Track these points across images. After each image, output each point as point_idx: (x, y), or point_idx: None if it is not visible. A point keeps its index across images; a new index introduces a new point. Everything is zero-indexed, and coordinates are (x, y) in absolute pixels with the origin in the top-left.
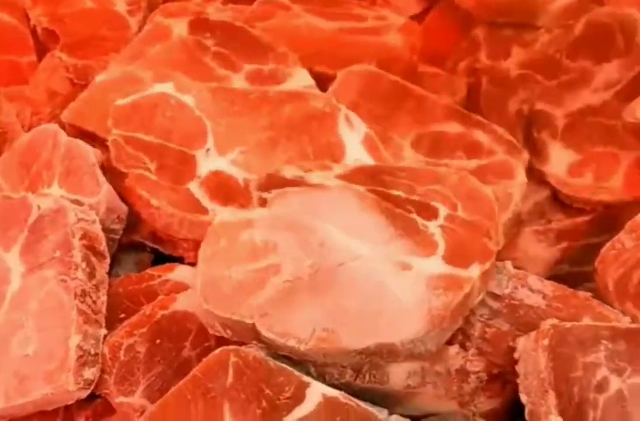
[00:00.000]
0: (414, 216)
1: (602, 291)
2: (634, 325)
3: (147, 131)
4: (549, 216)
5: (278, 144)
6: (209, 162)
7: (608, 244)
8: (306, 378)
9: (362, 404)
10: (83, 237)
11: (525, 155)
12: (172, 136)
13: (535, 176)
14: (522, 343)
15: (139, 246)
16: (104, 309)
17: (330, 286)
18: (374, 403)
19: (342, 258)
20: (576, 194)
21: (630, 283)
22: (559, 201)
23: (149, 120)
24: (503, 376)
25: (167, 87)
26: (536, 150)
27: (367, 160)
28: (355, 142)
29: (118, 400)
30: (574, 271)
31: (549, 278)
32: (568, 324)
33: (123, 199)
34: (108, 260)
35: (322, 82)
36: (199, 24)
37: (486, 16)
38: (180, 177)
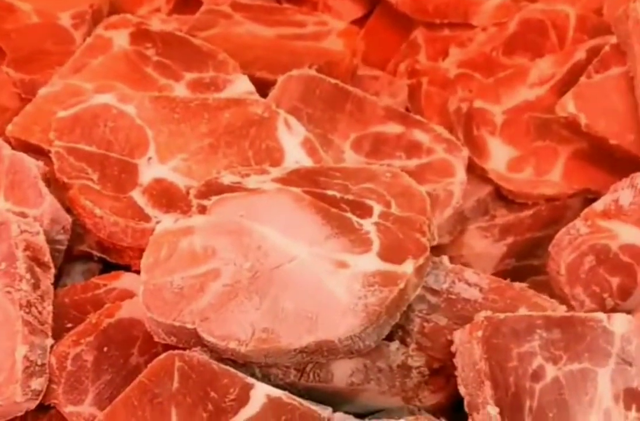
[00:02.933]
0: (349, 214)
1: (554, 275)
2: (568, 313)
3: (88, 142)
4: (492, 212)
5: (218, 150)
6: (151, 170)
7: (563, 230)
8: (250, 380)
9: (306, 403)
10: (27, 248)
11: (465, 153)
12: (114, 145)
13: (477, 172)
14: (458, 336)
15: (87, 256)
16: (50, 320)
17: (268, 287)
18: (321, 401)
19: (280, 260)
20: (518, 189)
21: (581, 268)
22: (501, 196)
23: (90, 131)
24: (445, 370)
25: (108, 98)
26: (476, 147)
27: (307, 162)
28: (294, 145)
29: (67, 409)
30: (521, 265)
31: (496, 274)
32: (502, 316)
33: (68, 210)
34: (53, 270)
35: (264, 88)
36: (140, 35)
37: (423, 18)
38: (123, 186)
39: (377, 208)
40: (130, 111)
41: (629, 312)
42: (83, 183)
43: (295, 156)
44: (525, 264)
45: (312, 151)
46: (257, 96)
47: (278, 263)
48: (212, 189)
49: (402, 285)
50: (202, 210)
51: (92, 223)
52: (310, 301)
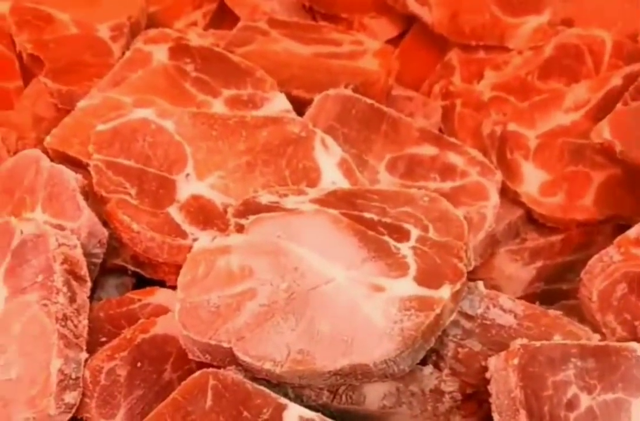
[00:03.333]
0: (386, 238)
1: (586, 301)
2: (602, 343)
3: (127, 156)
4: (523, 235)
5: (255, 168)
6: (188, 186)
7: (596, 256)
8: (283, 400)
9: None
10: (64, 262)
11: (499, 176)
12: (152, 161)
13: (509, 196)
14: (493, 363)
15: (121, 270)
16: (85, 333)
17: (304, 309)
18: None
19: (316, 281)
20: (549, 213)
21: (613, 296)
22: (532, 220)
23: (129, 145)
24: (477, 396)
25: (147, 113)
26: (509, 171)
27: (343, 183)
28: (330, 166)
29: None
30: (550, 289)
31: (525, 297)
32: (537, 344)
33: (105, 223)
34: (89, 284)
35: (300, 106)
36: (179, 50)
37: (459, 40)
38: (160, 201)
39: (415, 232)
40: (169, 127)
41: None
42: (121, 197)
43: (332, 177)
44: (554, 288)
45: (349, 172)
46: (294, 114)
47: (315, 285)
48: (250, 208)
49: (438, 310)
50: (240, 229)
51: (129, 238)
52: (346, 324)
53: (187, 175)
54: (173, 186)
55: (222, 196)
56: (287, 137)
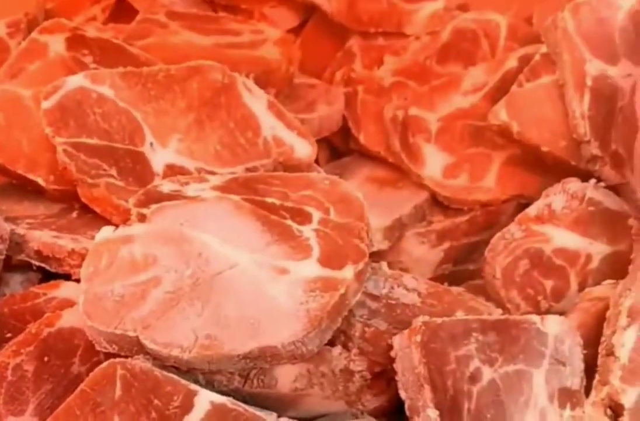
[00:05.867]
0: (289, 221)
1: (490, 279)
2: (503, 316)
3: (89, 134)
4: (429, 218)
5: (204, 125)
6: (157, 156)
7: (498, 234)
8: (194, 386)
9: (251, 409)
10: None
11: None
12: (113, 135)
13: (413, 179)
14: (397, 341)
15: (26, 266)
16: None
17: (210, 294)
18: (265, 407)
19: (221, 267)
20: (453, 195)
21: (516, 272)
22: (437, 203)
23: (83, 121)
24: (386, 374)
25: (80, 80)
26: (412, 154)
27: (282, 129)
28: (262, 110)
29: (8, 420)
30: (458, 269)
31: (434, 278)
32: (439, 320)
33: (6, 219)
34: None
35: None
36: (77, 41)
37: (358, 27)
38: (143, 178)
39: (316, 215)
40: (108, 93)
41: (562, 313)
42: (107, 181)
43: (269, 122)
44: (462, 268)
45: (280, 114)
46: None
47: (219, 270)
48: (152, 197)
49: (342, 290)
50: (142, 218)
51: (123, 219)
52: (252, 307)
53: (151, 144)
54: (144, 158)
55: (191, 161)
56: (213, 86)
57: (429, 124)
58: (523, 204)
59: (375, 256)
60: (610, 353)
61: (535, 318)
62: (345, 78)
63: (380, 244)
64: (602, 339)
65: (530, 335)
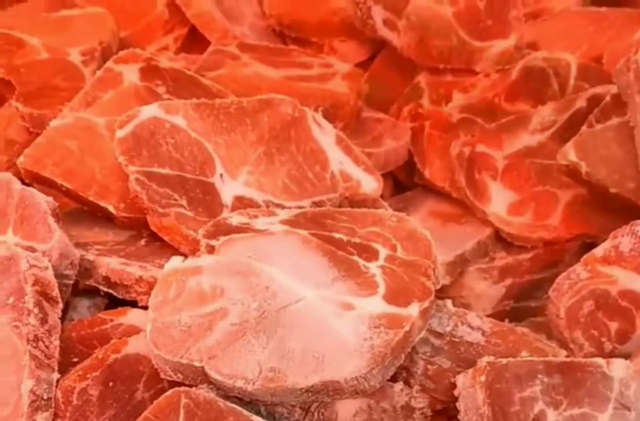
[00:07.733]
0: (356, 257)
1: (554, 318)
2: (568, 359)
3: (160, 164)
4: (491, 254)
5: (273, 158)
6: (226, 188)
7: (563, 274)
8: (255, 418)
9: None
10: (35, 283)
11: None
12: (184, 165)
13: (478, 215)
14: (461, 380)
15: (93, 291)
16: (56, 354)
17: (275, 327)
18: None
19: (287, 300)
20: (517, 232)
21: (580, 313)
22: (501, 239)
23: (156, 151)
24: (447, 412)
25: (154, 110)
26: (477, 191)
27: (348, 163)
28: (331, 145)
29: None
30: (519, 306)
31: (494, 314)
32: (504, 361)
33: (76, 245)
34: (61, 305)
35: None
36: (150, 71)
37: (427, 63)
38: (212, 209)
39: (383, 252)
40: (181, 123)
41: (627, 356)
42: (178, 211)
43: (337, 157)
44: (523, 305)
45: (348, 150)
46: None
47: (285, 304)
48: (221, 229)
49: (407, 327)
50: (211, 250)
51: (192, 249)
52: (316, 341)
53: (221, 175)
54: (214, 190)
55: (260, 193)
56: (284, 119)
57: (496, 162)
58: (587, 243)
59: (438, 291)
60: None
61: (601, 361)
62: (412, 113)
63: (442, 279)
64: None
65: (596, 379)
